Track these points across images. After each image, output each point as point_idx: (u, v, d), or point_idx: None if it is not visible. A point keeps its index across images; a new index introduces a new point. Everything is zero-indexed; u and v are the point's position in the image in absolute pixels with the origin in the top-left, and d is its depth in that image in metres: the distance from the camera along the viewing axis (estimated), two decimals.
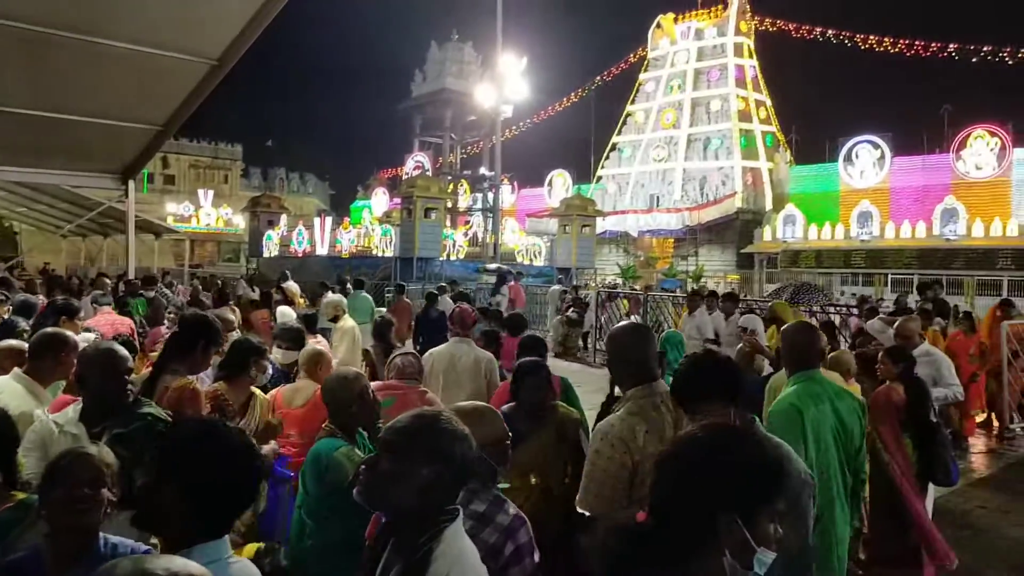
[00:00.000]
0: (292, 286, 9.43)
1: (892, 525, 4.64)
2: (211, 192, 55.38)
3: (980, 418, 9.52)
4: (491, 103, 28.18)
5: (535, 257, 32.37)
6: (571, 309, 16.12)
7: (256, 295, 11.35)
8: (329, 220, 33.11)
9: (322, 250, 31.42)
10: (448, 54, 35.12)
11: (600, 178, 54.44)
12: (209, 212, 53.01)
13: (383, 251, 28.66)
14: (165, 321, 8.21)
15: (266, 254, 34.10)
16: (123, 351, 2.98)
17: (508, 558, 2.02)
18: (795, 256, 40.74)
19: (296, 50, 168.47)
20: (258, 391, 4.00)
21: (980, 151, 38.60)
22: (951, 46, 44.75)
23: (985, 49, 43.55)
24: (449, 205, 32.46)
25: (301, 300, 11.43)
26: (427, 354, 4.93)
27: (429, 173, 32.93)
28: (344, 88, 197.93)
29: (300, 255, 32.23)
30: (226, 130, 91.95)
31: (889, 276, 36.77)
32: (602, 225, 42.19)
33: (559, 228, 32.21)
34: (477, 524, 2.05)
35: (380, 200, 44.08)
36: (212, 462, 1.64)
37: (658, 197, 49.74)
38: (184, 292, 14.76)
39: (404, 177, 33.82)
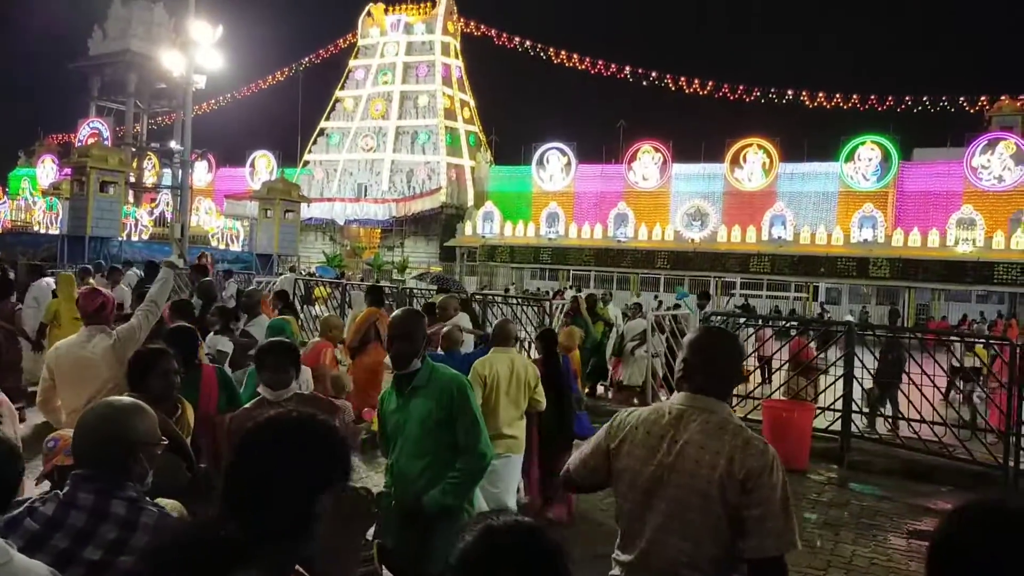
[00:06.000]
0: None
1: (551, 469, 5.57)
2: None
3: None
4: (182, 71, 25.95)
5: (232, 241, 30.62)
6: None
7: None
8: None
9: None
10: (134, 13, 31.64)
11: (307, 163, 52.93)
12: None
13: (47, 228, 25.24)
14: None
15: None
16: None
17: None
18: (492, 251, 43.34)
19: None
20: None
21: (647, 164, 44.26)
22: (627, 68, 50.61)
23: (653, 74, 49.98)
24: (132, 179, 29.46)
25: None
26: (52, 348, 4.29)
27: (108, 142, 29.52)
28: (4, 36, 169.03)
29: None
30: None
31: (571, 271, 40.69)
32: (307, 212, 41.19)
33: (260, 212, 30.82)
34: (123, 531, 1.88)
35: (47, 169, 38.88)
36: None
37: (366, 187, 49.73)
38: None
39: (77, 145, 29.94)
